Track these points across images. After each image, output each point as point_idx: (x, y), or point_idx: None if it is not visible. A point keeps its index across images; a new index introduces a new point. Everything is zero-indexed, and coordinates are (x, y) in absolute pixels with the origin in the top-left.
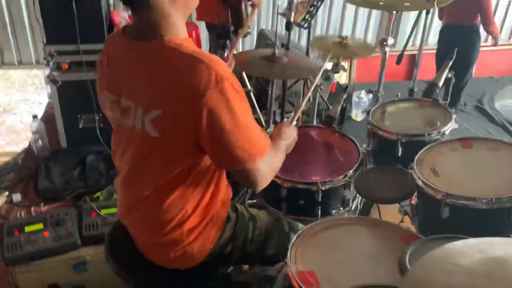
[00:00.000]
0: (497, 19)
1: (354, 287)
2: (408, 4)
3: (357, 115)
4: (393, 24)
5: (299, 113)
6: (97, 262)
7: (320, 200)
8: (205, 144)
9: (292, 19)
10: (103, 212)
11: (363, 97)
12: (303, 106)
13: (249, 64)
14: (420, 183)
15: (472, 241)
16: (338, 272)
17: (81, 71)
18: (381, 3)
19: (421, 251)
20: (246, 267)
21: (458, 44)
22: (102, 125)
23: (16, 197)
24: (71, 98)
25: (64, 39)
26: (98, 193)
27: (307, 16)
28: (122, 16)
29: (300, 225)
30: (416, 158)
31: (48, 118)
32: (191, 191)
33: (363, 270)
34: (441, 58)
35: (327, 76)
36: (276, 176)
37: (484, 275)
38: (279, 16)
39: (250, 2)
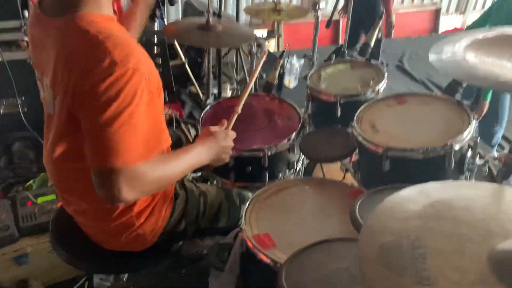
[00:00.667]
0: None
1: (320, 240)
2: None
3: (289, 81)
4: None
5: (239, 111)
6: (39, 252)
7: (266, 165)
8: (83, 128)
9: None
10: (40, 200)
11: (294, 64)
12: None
13: (183, 33)
14: (361, 139)
15: (416, 188)
16: (292, 232)
17: None
18: None
19: (369, 203)
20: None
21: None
22: (26, 109)
23: None
24: None
25: None
26: (31, 181)
27: None
28: None
29: (250, 194)
30: (355, 116)
31: None
32: None
33: (316, 227)
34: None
35: (259, 44)
36: None
37: (434, 217)
38: None
39: None
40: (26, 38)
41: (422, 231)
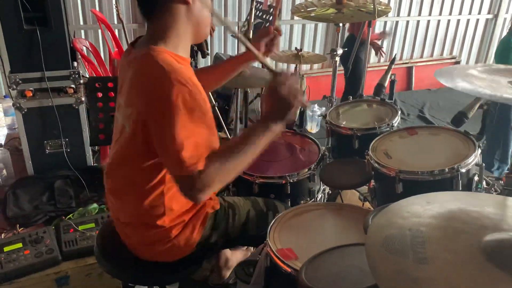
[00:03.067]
0: (429, 37)
1: (336, 246)
2: (353, 16)
3: (312, 127)
4: (340, 35)
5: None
6: (78, 275)
7: (289, 192)
8: (156, 144)
9: (251, 34)
10: (81, 228)
11: (317, 111)
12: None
13: None
14: (376, 165)
15: (420, 195)
16: (313, 247)
17: (47, 97)
18: (331, 17)
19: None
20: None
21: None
22: (69, 149)
23: None
24: (37, 124)
25: (29, 67)
26: (70, 215)
27: None
28: (84, 44)
29: (275, 202)
30: (370, 146)
31: (12, 147)
32: (169, 188)
33: (334, 242)
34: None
35: None
36: (247, 174)
37: (433, 215)
38: (232, 37)
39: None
40: (73, 86)
41: (422, 226)
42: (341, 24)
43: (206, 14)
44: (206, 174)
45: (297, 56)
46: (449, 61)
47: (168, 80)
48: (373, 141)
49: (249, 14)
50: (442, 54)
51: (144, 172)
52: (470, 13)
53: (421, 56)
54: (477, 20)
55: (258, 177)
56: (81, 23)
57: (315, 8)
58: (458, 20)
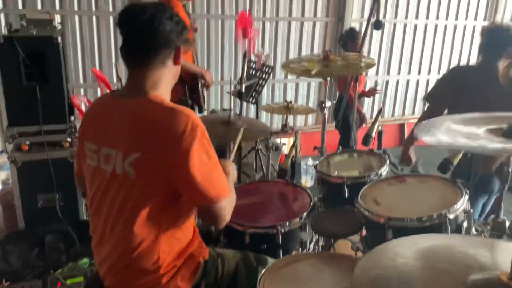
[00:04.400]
0: (420, 94)
1: None
2: (339, 71)
3: (306, 181)
4: (329, 89)
5: (234, 150)
6: None
7: (280, 242)
8: (178, 182)
9: (243, 89)
10: (69, 281)
11: (310, 164)
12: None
13: (207, 126)
14: (366, 213)
15: (406, 238)
16: None
17: (42, 150)
18: (312, 73)
19: None
20: None
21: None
22: (62, 203)
23: None
24: (31, 178)
25: (26, 121)
26: (59, 271)
27: (254, 94)
28: (81, 100)
29: (266, 257)
30: (360, 194)
31: (4, 201)
32: (165, 235)
33: None
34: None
35: (277, 147)
36: (238, 224)
37: (418, 256)
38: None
39: (205, 83)
40: (69, 139)
41: (408, 267)
42: (328, 78)
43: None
44: (232, 199)
45: (288, 108)
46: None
47: (191, 121)
48: (363, 189)
49: (242, 72)
50: None
51: (141, 216)
52: None
53: (413, 113)
54: None
55: (248, 227)
56: (81, 81)
57: (305, 63)
58: None
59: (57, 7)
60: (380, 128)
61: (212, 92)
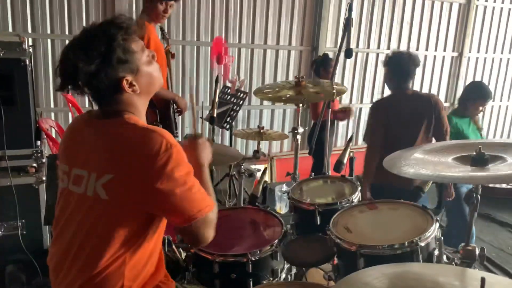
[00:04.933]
0: None
1: None
2: (311, 97)
3: (281, 207)
4: (301, 114)
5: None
6: None
7: (250, 271)
8: (154, 203)
9: (215, 115)
10: None
11: (284, 190)
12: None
13: None
14: (337, 240)
15: (377, 266)
16: None
17: (6, 176)
18: (283, 98)
19: None
20: None
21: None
22: (24, 232)
23: None
24: None
25: None
26: None
27: (228, 119)
28: (50, 124)
29: None
30: (331, 220)
31: None
32: (132, 261)
33: None
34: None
35: (250, 173)
36: (207, 253)
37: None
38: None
39: (177, 109)
40: (34, 164)
41: None
42: (300, 105)
43: (150, 74)
44: (214, 212)
45: (260, 134)
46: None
47: (165, 141)
48: (334, 216)
49: (214, 97)
50: None
51: (112, 239)
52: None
53: None
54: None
55: (218, 256)
56: (52, 105)
57: (277, 89)
58: None
59: (29, 30)
60: (351, 154)
61: (186, 118)
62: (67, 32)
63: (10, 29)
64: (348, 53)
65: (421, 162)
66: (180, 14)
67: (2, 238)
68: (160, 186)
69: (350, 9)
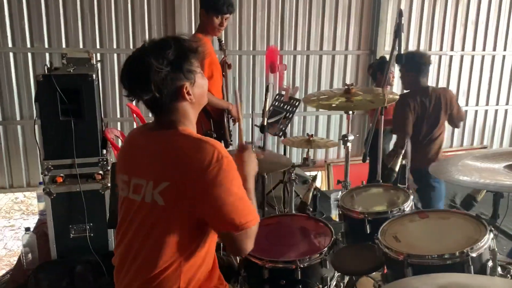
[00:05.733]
0: None
1: None
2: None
3: (336, 216)
4: (351, 122)
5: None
6: None
7: (299, 278)
8: (204, 211)
9: (265, 123)
10: None
11: (336, 199)
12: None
13: None
14: (385, 249)
15: (425, 275)
16: None
17: (75, 183)
18: (333, 105)
19: None
20: None
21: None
22: (92, 234)
23: None
24: (64, 209)
25: (61, 155)
26: None
27: (282, 127)
28: (115, 134)
29: None
30: (380, 229)
31: (39, 232)
32: (188, 263)
33: None
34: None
35: (304, 180)
36: (257, 258)
37: None
38: (256, 127)
39: (232, 117)
40: (100, 172)
41: None
42: (350, 112)
43: (202, 86)
44: (257, 225)
45: (309, 142)
46: (479, 149)
47: (217, 151)
48: (383, 225)
49: (264, 105)
50: (472, 143)
51: (168, 243)
52: (497, 103)
53: (451, 146)
54: (506, 110)
55: (267, 261)
56: (118, 115)
57: (326, 97)
58: (486, 110)
59: (98, 45)
60: (404, 162)
61: (243, 126)
62: (131, 47)
63: (81, 45)
64: (399, 59)
65: (472, 169)
66: (237, 25)
67: (72, 240)
68: (212, 195)
69: (400, 14)
